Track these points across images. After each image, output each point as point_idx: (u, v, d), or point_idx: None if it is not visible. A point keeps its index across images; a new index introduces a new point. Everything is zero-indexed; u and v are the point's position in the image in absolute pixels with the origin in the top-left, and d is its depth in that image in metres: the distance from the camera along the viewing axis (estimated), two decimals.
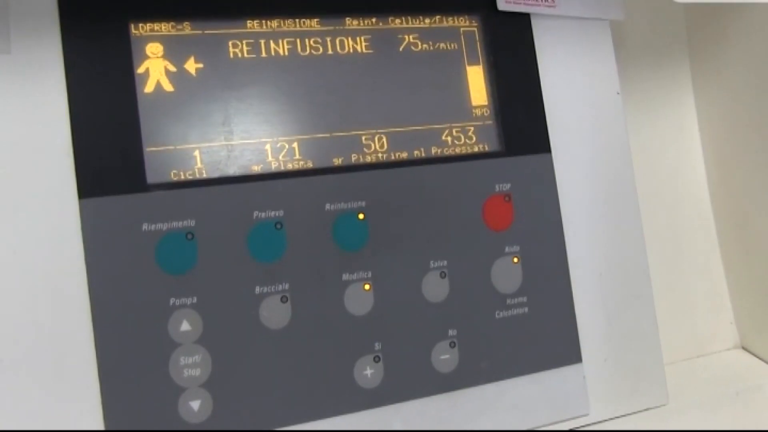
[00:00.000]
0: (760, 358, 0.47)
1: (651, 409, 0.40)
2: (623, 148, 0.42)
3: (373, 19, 0.39)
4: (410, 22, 0.39)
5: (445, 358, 0.37)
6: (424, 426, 0.37)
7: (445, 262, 0.38)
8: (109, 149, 0.34)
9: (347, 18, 0.38)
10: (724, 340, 0.49)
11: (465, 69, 0.40)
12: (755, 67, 0.43)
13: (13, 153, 0.33)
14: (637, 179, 0.42)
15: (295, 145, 0.36)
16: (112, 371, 0.33)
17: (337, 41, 0.38)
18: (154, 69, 0.35)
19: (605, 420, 0.39)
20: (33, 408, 0.32)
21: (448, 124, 0.39)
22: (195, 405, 0.34)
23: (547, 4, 0.41)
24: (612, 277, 0.41)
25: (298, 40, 0.37)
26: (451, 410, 0.37)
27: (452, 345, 0.37)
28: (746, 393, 0.43)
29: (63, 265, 0.33)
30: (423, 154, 0.38)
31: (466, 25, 0.40)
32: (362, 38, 0.38)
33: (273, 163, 0.36)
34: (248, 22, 0.37)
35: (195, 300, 0.34)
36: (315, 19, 0.38)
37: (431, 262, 0.38)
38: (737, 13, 0.44)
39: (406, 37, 0.39)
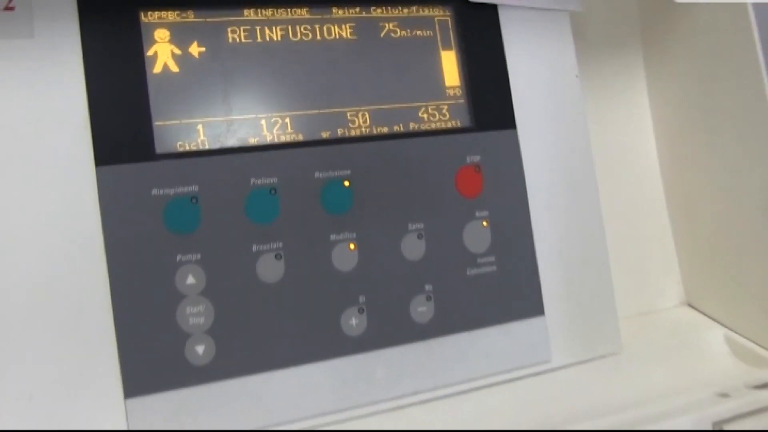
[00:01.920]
0: (704, 314, 0.51)
1: (606, 356, 0.45)
2: (581, 126, 0.46)
3: (357, 9, 0.43)
4: (390, 12, 0.44)
5: (422, 310, 0.42)
6: (403, 370, 0.41)
7: (422, 225, 0.42)
8: (122, 123, 0.38)
9: (334, 8, 0.43)
10: (671, 297, 0.53)
11: (439, 54, 0.44)
12: (700, 57, 0.48)
13: (37, 127, 0.37)
14: (594, 155, 0.47)
15: (287, 120, 0.41)
16: (126, 321, 0.37)
17: (325, 28, 0.42)
18: (162, 52, 0.39)
19: (565, 366, 0.44)
20: (57, 354, 0.36)
21: (424, 103, 0.43)
22: (200, 349, 0.38)
23: None
24: (571, 239, 0.45)
25: (289, 27, 0.42)
26: (427, 356, 0.42)
27: (428, 298, 0.42)
28: (691, 344, 0.48)
29: (82, 224, 0.37)
30: (402, 129, 0.43)
31: (440, 14, 0.45)
32: (347, 26, 0.43)
33: (268, 136, 0.40)
34: (245, 11, 0.41)
35: (199, 257, 0.38)
36: (305, 9, 0.42)
37: (409, 224, 0.42)
38: (686, 9, 0.49)
39: (387, 25, 0.44)
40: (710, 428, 0.42)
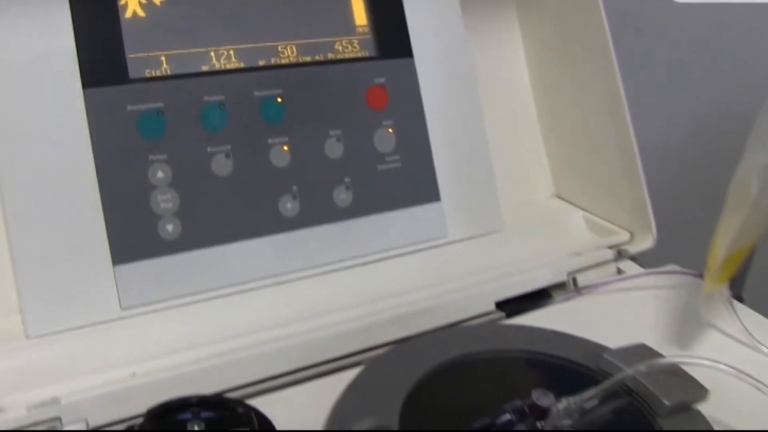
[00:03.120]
0: (569, 202, 0.64)
1: (491, 233, 0.58)
2: (466, 53, 0.58)
3: None
4: None
5: (343, 197, 0.53)
6: (330, 243, 0.53)
7: (340, 132, 0.54)
8: (102, 56, 0.49)
9: None
10: (543, 191, 0.65)
11: None
12: (558, 4, 0.61)
13: (37, 58, 0.47)
14: (479, 80, 0.59)
15: (231, 51, 0.52)
16: (111, 207, 0.48)
17: None
18: (131, 2, 0.50)
19: (459, 240, 0.56)
20: (60, 234, 0.47)
21: (339, 38, 0.55)
22: (170, 228, 0.49)
23: None
24: (460, 142, 0.57)
25: None
26: (349, 233, 0.53)
27: (347, 188, 0.54)
28: (557, 224, 0.61)
29: (73, 132, 0.47)
30: (322, 58, 0.54)
31: None
32: None
33: (216, 64, 0.51)
34: None
35: (165, 157, 0.49)
36: None
37: (330, 131, 0.53)
38: None
39: None
40: (565, 278, 0.55)
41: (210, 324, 0.48)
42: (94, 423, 0.42)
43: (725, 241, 0.46)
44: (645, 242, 0.57)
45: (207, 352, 0.46)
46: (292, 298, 0.50)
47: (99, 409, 0.42)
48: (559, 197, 0.66)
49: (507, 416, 0.38)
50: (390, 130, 0.55)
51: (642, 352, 0.45)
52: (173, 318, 0.48)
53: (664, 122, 0.80)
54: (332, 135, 0.53)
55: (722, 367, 0.42)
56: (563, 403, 0.40)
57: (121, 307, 0.47)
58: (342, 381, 0.43)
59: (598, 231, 0.60)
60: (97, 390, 0.43)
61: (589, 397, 0.41)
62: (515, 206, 0.61)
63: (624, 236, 0.58)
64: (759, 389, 0.41)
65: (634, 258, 0.58)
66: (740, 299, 0.56)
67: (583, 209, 0.62)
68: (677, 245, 0.57)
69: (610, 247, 0.57)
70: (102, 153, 0.48)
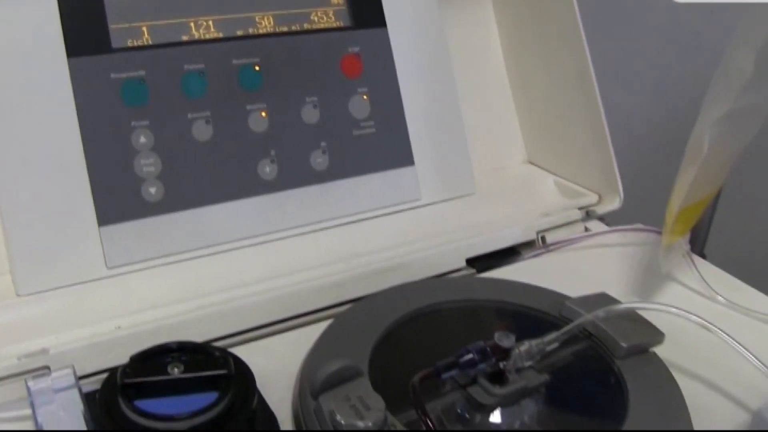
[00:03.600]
0: (540, 167, 0.67)
1: (464, 196, 0.60)
2: (438, 25, 0.60)
3: None
4: None
5: (319, 161, 0.56)
6: (307, 205, 0.55)
7: (316, 98, 0.56)
8: (86, 27, 0.51)
9: None
10: (516, 157, 0.68)
11: None
12: None
13: (22, 27, 0.49)
14: (453, 52, 0.61)
15: (210, 22, 0.54)
16: (96, 171, 0.50)
17: None
18: None
19: (432, 203, 0.58)
20: (49, 196, 0.49)
21: (315, 9, 0.57)
22: (153, 190, 0.51)
23: None
24: (433, 108, 0.60)
25: None
26: (325, 195, 0.55)
27: (324, 152, 0.56)
28: (529, 187, 0.63)
29: (59, 100, 0.49)
30: (298, 28, 0.56)
31: None
32: None
33: (196, 34, 0.53)
34: None
35: (148, 123, 0.51)
36: None
37: (306, 98, 0.56)
38: None
39: None
40: (534, 236, 0.57)
41: (193, 281, 0.50)
42: (81, 371, 0.44)
43: (680, 195, 0.48)
44: (612, 203, 0.60)
45: (189, 306, 0.48)
46: (271, 257, 0.53)
47: (85, 359, 0.44)
48: (531, 163, 0.68)
49: (470, 356, 0.41)
50: (365, 97, 0.57)
51: (602, 300, 0.47)
52: (157, 276, 0.50)
53: (630, 87, 0.83)
54: (308, 102, 0.56)
55: (673, 310, 0.44)
56: (525, 345, 0.43)
57: (107, 266, 0.50)
58: (317, 331, 0.46)
59: (568, 194, 0.62)
60: (83, 341, 0.45)
61: (550, 340, 0.44)
62: (488, 172, 0.63)
63: (593, 198, 0.61)
64: (709, 330, 0.44)
65: (601, 218, 0.60)
66: (702, 256, 0.59)
67: (554, 174, 0.65)
68: (645, 206, 0.59)
69: (580, 209, 0.59)
70: (87, 119, 0.50)
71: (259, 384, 0.42)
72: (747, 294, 0.53)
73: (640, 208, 0.60)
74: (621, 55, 0.84)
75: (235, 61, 0.54)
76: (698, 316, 0.44)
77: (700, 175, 0.47)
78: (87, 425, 0.39)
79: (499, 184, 0.63)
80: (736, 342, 0.43)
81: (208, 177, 0.53)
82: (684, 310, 0.44)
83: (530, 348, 0.43)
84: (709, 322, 0.44)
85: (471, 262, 0.55)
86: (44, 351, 0.44)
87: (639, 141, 0.77)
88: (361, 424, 0.37)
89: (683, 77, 0.83)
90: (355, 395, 0.38)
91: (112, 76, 0.51)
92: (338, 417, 0.37)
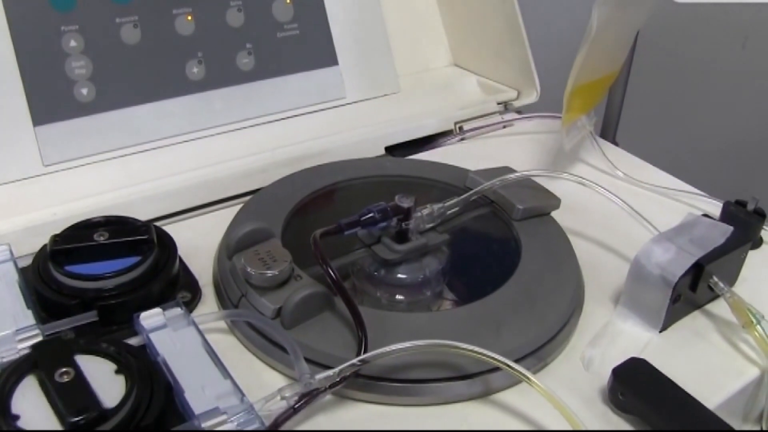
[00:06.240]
0: (465, 69, 0.70)
1: (388, 95, 0.63)
2: None
3: None
4: None
5: (245, 61, 0.58)
6: (235, 103, 0.58)
7: (240, 2, 0.58)
8: None
9: None
10: (442, 60, 0.71)
11: None
12: None
13: None
14: None
15: None
16: (29, 74, 0.52)
17: None
18: None
19: (357, 101, 0.61)
20: None
21: None
22: (84, 91, 0.54)
23: None
24: (355, 11, 0.62)
25: None
26: (252, 94, 0.58)
27: (249, 53, 0.59)
28: (453, 87, 0.66)
29: None
30: None
31: None
32: None
33: None
34: None
35: (77, 27, 0.54)
36: None
37: (230, 1, 0.58)
38: None
39: None
40: (452, 126, 0.61)
41: (125, 175, 0.53)
42: (18, 252, 0.47)
43: (575, 74, 0.52)
44: (530, 97, 0.63)
45: (120, 194, 0.51)
46: (199, 152, 0.56)
47: (22, 241, 0.47)
48: (456, 65, 0.71)
49: (371, 214, 0.44)
50: (288, 1, 0.60)
51: (504, 171, 0.51)
52: (91, 171, 0.53)
53: None
54: (233, 5, 0.58)
55: (566, 175, 0.48)
56: (427, 209, 0.47)
57: (43, 163, 0.53)
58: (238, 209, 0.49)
59: (490, 91, 0.65)
60: (20, 226, 0.48)
61: (451, 204, 0.47)
62: (414, 73, 0.66)
63: (512, 93, 0.64)
64: (597, 191, 0.47)
65: (519, 111, 0.64)
66: (615, 143, 0.62)
67: (478, 74, 0.68)
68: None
69: (499, 103, 0.63)
70: (17, 24, 0.52)
71: (185, 255, 0.45)
72: (648, 170, 0.56)
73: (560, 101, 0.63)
74: None
75: None
76: (591, 181, 0.47)
77: (590, 53, 0.50)
78: (22, 293, 0.42)
79: (424, 84, 0.66)
80: (626, 204, 0.47)
81: (138, 78, 0.55)
82: (578, 176, 0.47)
83: (432, 211, 0.47)
84: (601, 186, 0.47)
85: (391, 150, 0.58)
86: None
87: (559, 32, 0.79)
88: (269, 273, 0.40)
89: None
90: (264, 251, 0.42)
91: None
92: (249, 269, 0.41)
